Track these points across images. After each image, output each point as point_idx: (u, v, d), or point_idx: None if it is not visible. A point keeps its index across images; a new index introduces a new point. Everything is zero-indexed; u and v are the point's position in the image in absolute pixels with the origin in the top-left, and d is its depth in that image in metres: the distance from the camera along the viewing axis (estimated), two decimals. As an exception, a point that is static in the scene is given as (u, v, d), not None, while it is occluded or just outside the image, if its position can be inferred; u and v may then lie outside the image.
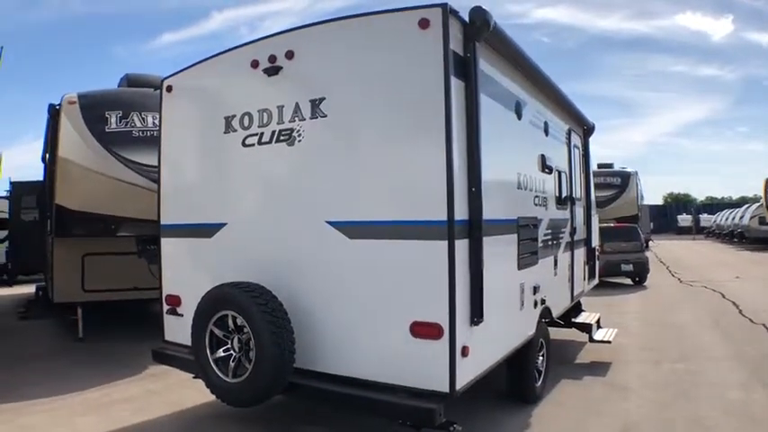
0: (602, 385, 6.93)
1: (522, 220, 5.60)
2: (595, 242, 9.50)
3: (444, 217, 4.20)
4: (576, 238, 7.89)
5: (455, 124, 4.26)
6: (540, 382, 6.37)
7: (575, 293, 7.92)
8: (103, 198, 8.82)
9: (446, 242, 4.19)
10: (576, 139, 8.18)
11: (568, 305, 7.79)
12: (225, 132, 5.42)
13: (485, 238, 4.48)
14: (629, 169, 21.52)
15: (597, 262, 9.80)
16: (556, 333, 8.28)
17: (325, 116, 4.80)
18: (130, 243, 8.89)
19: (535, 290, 5.98)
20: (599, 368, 7.61)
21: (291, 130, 4.98)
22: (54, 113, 9.46)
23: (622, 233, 16.78)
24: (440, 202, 4.21)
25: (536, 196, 6.16)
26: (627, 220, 18.93)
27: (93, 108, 9.21)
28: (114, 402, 6.57)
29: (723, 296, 13.44)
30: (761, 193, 29.06)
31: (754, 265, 21.04)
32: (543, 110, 6.61)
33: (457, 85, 4.35)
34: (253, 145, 5.23)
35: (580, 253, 8.31)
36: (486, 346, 4.77)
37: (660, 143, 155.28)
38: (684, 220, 51.36)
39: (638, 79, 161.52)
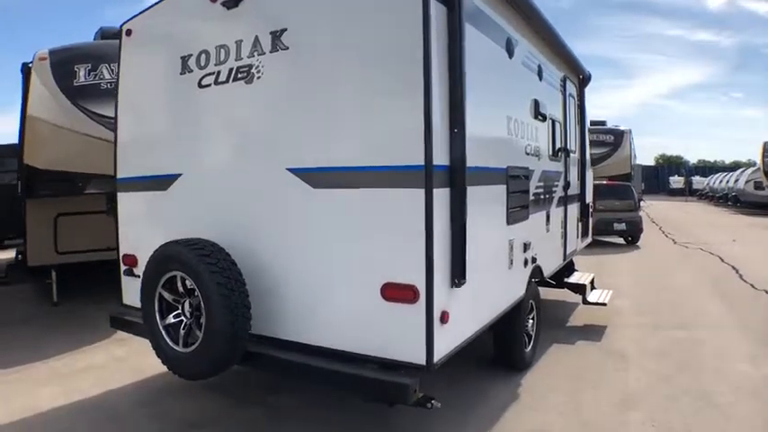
0: (597, 351, 6.31)
1: (512, 169, 4.90)
2: (589, 198, 8.74)
3: (421, 161, 3.48)
4: (569, 192, 7.17)
5: (435, 53, 3.53)
6: (529, 348, 5.75)
7: (567, 252, 7.26)
8: (71, 155, 8.14)
9: (423, 191, 3.49)
10: (571, 88, 7.40)
11: (561, 264, 7.13)
12: (181, 74, 4.73)
13: (469, 188, 3.78)
14: (622, 127, 20.60)
15: (591, 219, 9.11)
16: (546, 293, 7.68)
17: (287, 48, 4.08)
18: (104, 202, 8.25)
19: (525, 247, 5.31)
20: (593, 332, 6.98)
21: (250, 66, 4.27)
22: (26, 72, 8.74)
23: (616, 191, 16.01)
24: (416, 144, 3.48)
25: (528, 145, 5.44)
26: (620, 178, 18.14)
27: (63, 63, 8.48)
28: (78, 371, 6.04)
29: (721, 260, 12.65)
30: (757, 157, 28.14)
31: (750, 229, 20.25)
32: (537, 52, 5.85)
33: (438, 9, 3.61)
34: (209, 85, 4.54)
35: (573, 209, 7.60)
36: (470, 311, 4.12)
37: (654, 105, 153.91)
38: (677, 181, 50.42)
39: (634, 41, 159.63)
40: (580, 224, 8.14)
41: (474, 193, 3.96)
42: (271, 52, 4.15)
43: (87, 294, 9.62)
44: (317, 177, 3.93)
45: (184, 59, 4.69)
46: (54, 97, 8.26)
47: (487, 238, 4.45)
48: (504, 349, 5.51)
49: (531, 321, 5.79)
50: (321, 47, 3.98)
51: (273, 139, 4.20)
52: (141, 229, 5.26)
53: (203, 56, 4.56)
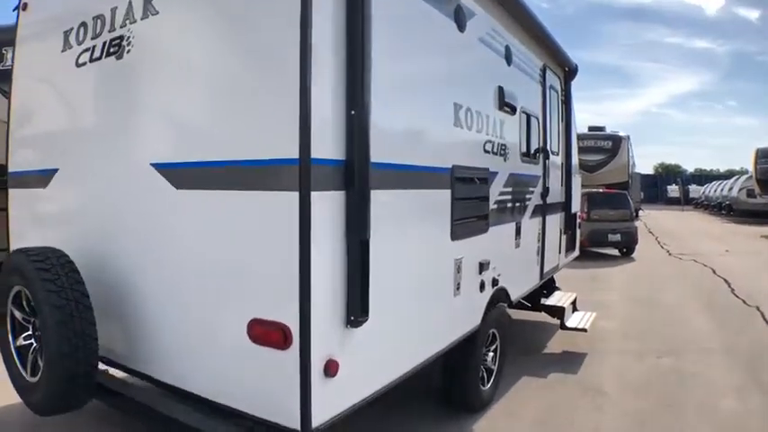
0: (571, 387, 5.18)
1: (459, 170, 3.79)
2: (576, 207, 7.48)
3: (295, 153, 2.41)
4: (549, 200, 5.99)
5: (319, 6, 2.46)
6: (489, 385, 4.63)
7: (545, 270, 6.04)
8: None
9: (297, 194, 2.42)
10: (553, 80, 6.24)
11: (536, 284, 5.95)
12: (62, 51, 3.76)
13: (377, 192, 2.74)
14: (620, 133, 19.27)
15: (578, 231, 7.91)
16: (523, 313, 6.57)
17: (157, 13, 3.07)
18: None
19: (482, 267, 4.20)
20: (571, 361, 5.84)
21: (121, 37, 3.29)
22: None
23: (611, 200, 14.63)
24: (287, 130, 2.42)
25: (488, 141, 4.33)
26: (617, 186, 16.84)
27: None
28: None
29: (714, 272, 11.56)
30: (750, 165, 26.67)
31: (742, 239, 19.02)
32: (505, 31, 4.73)
33: None
34: (85, 63, 3.58)
35: (555, 220, 6.40)
36: (379, 356, 3.01)
37: (651, 113, 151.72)
38: (674, 190, 48.78)
39: (633, 49, 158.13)
40: (564, 237, 6.92)
41: (391, 199, 2.93)
42: (142, 19, 3.16)
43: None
44: (181, 175, 2.91)
45: (66, 34, 3.73)
46: None
47: (415, 258, 3.34)
48: (455, 387, 4.38)
49: (491, 354, 4.68)
50: (191, 7, 2.98)
51: (140, 127, 3.21)
52: (26, 231, 4.28)
53: (82, 29, 3.60)
